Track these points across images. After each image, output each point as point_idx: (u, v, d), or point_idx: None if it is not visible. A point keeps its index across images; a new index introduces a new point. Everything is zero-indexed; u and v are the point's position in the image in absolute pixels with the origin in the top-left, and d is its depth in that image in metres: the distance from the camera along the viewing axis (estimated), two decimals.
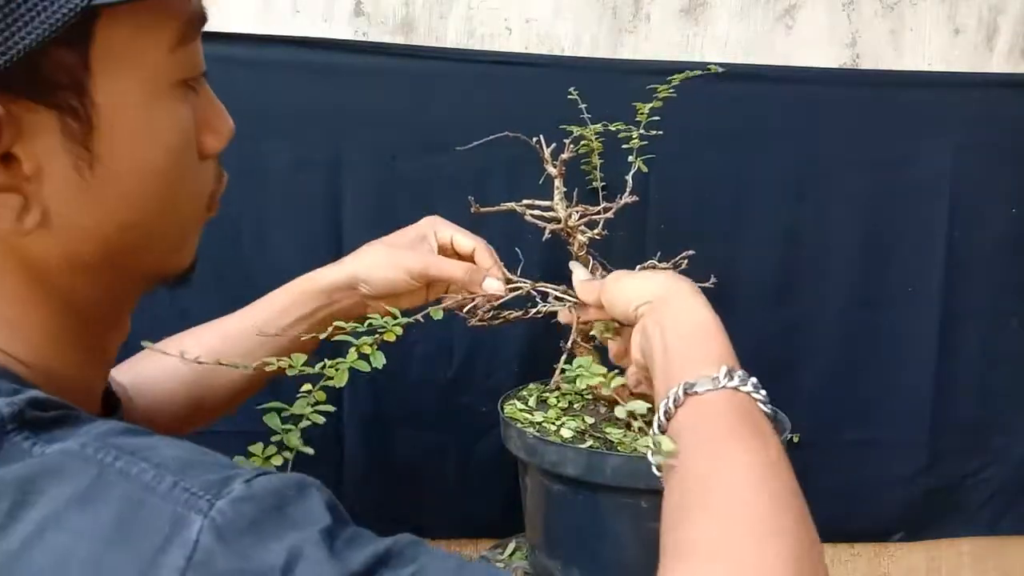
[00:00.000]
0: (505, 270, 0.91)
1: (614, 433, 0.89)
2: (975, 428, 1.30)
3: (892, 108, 1.22)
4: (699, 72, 0.94)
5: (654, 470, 0.63)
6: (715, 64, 0.97)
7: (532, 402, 0.98)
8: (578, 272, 0.87)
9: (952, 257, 1.25)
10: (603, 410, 0.95)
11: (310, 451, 0.57)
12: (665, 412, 0.62)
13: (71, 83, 0.45)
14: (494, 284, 0.89)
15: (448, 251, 0.93)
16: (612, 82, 1.14)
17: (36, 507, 0.41)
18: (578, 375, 0.69)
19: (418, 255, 0.89)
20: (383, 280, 0.87)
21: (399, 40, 1.17)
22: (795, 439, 1.24)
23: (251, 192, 1.16)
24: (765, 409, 0.62)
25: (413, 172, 1.18)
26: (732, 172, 1.22)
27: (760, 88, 1.21)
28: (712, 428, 0.60)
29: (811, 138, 1.22)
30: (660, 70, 1.11)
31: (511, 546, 1.08)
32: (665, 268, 0.93)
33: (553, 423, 0.92)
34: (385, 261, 0.89)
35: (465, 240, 0.92)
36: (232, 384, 0.85)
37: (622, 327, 0.83)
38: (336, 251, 1.18)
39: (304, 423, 0.59)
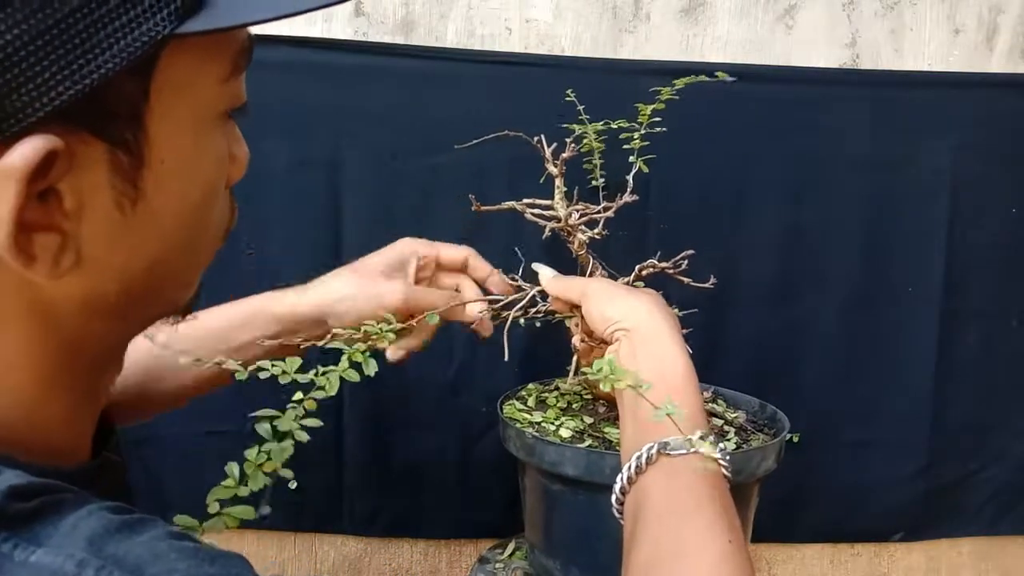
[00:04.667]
0: (501, 275, 0.91)
1: (613, 433, 0.89)
2: (975, 428, 1.30)
3: (892, 108, 1.22)
4: (705, 78, 0.94)
5: (614, 512, 0.67)
6: (719, 73, 0.97)
7: (531, 402, 0.99)
8: (543, 272, 0.86)
9: (952, 257, 1.25)
10: (602, 410, 0.95)
11: (290, 475, 0.57)
12: (637, 467, 0.64)
13: (130, 115, 0.42)
14: (477, 307, 0.87)
15: (434, 268, 0.89)
16: (612, 82, 1.15)
17: None
18: (602, 379, 0.66)
19: (394, 285, 0.84)
20: (355, 314, 0.82)
21: (399, 40, 1.17)
22: (795, 439, 1.24)
23: (251, 192, 1.16)
24: (727, 474, 0.65)
25: (413, 172, 1.18)
26: (732, 172, 1.22)
27: (760, 88, 1.21)
28: (684, 499, 0.62)
29: (811, 138, 1.22)
30: (660, 70, 1.11)
31: (511, 546, 1.08)
32: (662, 269, 0.92)
33: (552, 423, 0.92)
34: (357, 292, 0.83)
35: (453, 252, 0.89)
36: (181, 381, 0.82)
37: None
38: (336, 251, 1.18)
39: (288, 441, 0.58)
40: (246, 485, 0.55)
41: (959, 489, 1.32)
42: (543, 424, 0.92)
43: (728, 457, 0.65)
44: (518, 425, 0.90)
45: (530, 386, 1.04)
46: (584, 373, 0.77)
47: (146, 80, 0.42)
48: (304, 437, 0.60)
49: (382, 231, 1.18)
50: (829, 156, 1.23)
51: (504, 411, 0.95)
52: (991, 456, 1.31)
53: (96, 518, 0.40)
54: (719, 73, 0.97)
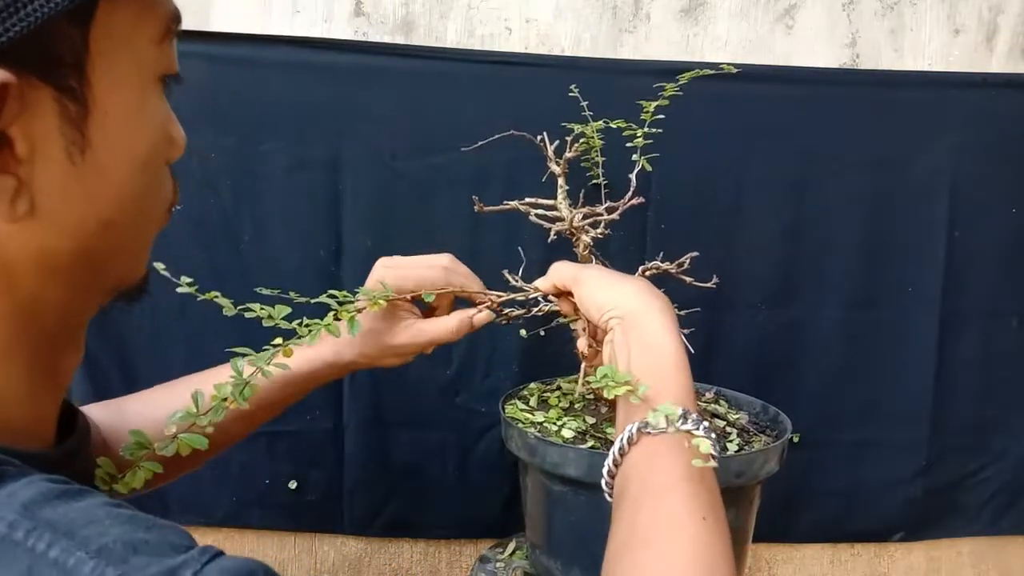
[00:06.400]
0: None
1: (615, 433, 0.88)
2: (975, 428, 1.30)
3: (892, 108, 1.22)
4: (708, 72, 0.94)
5: (606, 496, 0.67)
6: (725, 64, 0.97)
7: (533, 402, 0.98)
8: (539, 282, 0.84)
9: (952, 257, 1.25)
10: (604, 410, 0.95)
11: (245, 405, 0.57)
12: (620, 449, 0.65)
13: (73, 61, 0.45)
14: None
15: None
16: (612, 82, 1.14)
17: None
18: (604, 386, 0.66)
19: (405, 332, 0.84)
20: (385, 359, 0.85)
21: (399, 40, 1.17)
22: (795, 439, 1.24)
23: (251, 192, 1.16)
24: (713, 452, 0.64)
25: (412, 172, 1.18)
26: (732, 172, 1.22)
27: (760, 88, 1.21)
28: (662, 479, 0.62)
29: (811, 138, 1.22)
30: (660, 70, 1.11)
31: (511, 545, 1.08)
32: (665, 270, 0.92)
33: (554, 423, 0.92)
34: (377, 353, 0.84)
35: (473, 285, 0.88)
36: (229, 429, 0.78)
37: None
38: (335, 251, 1.18)
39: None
40: (205, 416, 0.56)
41: (959, 489, 1.32)
42: (545, 424, 0.92)
43: (713, 435, 0.65)
44: (520, 425, 0.90)
45: (532, 385, 1.04)
46: (588, 382, 0.77)
47: (85, 29, 0.45)
48: (271, 372, 0.61)
49: (382, 231, 1.19)
50: (829, 156, 1.23)
51: (506, 411, 0.95)
52: (991, 456, 1.31)
53: (35, 487, 0.41)
54: (724, 64, 0.97)
